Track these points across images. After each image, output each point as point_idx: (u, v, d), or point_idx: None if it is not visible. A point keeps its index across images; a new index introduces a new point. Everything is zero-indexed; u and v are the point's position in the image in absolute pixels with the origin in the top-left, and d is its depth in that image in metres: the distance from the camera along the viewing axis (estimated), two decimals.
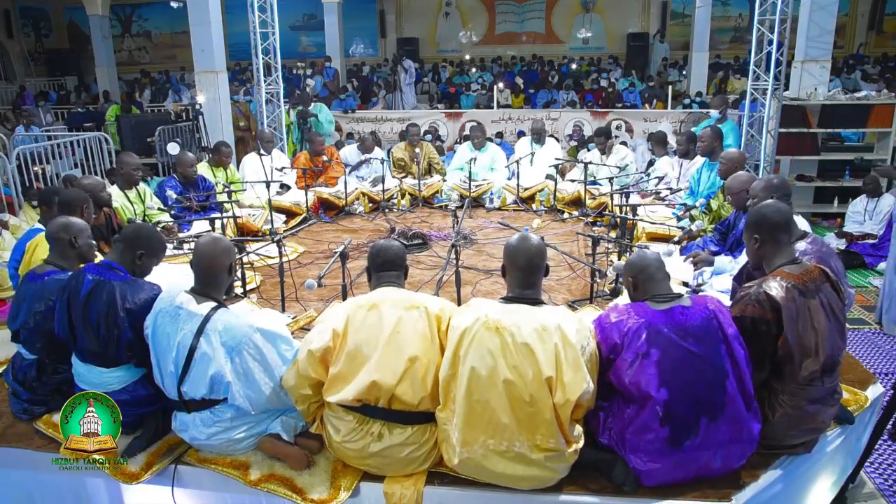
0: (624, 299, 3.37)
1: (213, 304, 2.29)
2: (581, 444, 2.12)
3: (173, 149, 7.05)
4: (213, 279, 2.34)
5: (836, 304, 2.32)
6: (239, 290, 3.74)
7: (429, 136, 10.16)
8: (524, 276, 2.24)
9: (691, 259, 3.76)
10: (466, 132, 9.57)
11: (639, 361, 2.08)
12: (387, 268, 2.41)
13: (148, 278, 2.59)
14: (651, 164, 6.55)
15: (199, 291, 2.32)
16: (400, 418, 2.16)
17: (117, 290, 2.39)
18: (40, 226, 3.51)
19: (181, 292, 2.32)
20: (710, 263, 3.62)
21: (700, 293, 3.22)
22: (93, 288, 2.39)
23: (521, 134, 10.39)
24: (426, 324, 2.19)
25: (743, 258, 3.36)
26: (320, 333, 2.23)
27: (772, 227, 2.38)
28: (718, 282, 3.38)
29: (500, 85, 13.48)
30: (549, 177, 6.00)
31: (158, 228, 4.29)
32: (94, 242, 2.83)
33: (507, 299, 2.24)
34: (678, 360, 2.07)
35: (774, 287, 2.23)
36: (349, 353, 2.17)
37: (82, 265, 2.66)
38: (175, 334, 2.22)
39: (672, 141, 6.98)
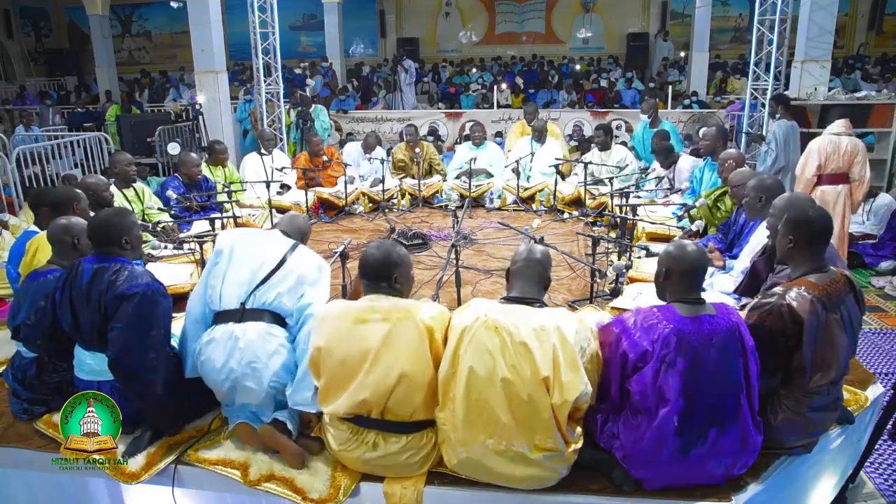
0: (624, 300, 3.38)
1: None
2: (580, 444, 2.12)
3: (174, 149, 7.06)
4: (299, 238, 2.72)
5: (856, 317, 2.27)
6: None
7: (430, 137, 10.15)
8: (525, 280, 2.26)
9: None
10: (467, 132, 9.57)
11: (664, 370, 2.03)
12: (372, 278, 2.28)
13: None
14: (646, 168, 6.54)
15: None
16: (394, 428, 2.16)
17: (117, 274, 2.38)
18: (35, 228, 3.49)
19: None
20: (723, 268, 3.57)
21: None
22: (94, 274, 2.39)
23: None
24: (416, 335, 2.13)
25: (740, 264, 3.36)
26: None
27: (813, 234, 2.28)
28: (719, 282, 3.37)
29: (503, 85, 13.48)
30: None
31: (158, 229, 4.33)
32: None
33: (507, 299, 2.24)
34: (699, 371, 2.03)
35: (799, 299, 2.15)
36: (334, 369, 2.15)
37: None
38: (265, 247, 2.54)
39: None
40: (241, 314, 2.38)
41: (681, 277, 2.18)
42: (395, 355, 2.10)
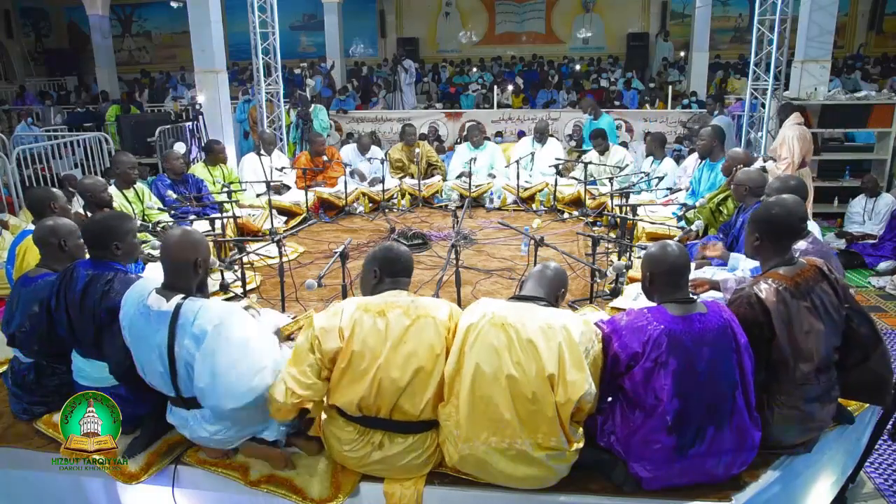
0: (624, 300, 3.38)
1: (181, 296, 2.18)
2: (582, 443, 2.12)
3: (180, 148, 7.09)
4: (179, 274, 2.22)
5: (832, 303, 2.29)
6: (239, 290, 3.74)
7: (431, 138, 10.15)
8: (535, 282, 2.33)
9: (701, 255, 3.67)
10: (466, 132, 9.57)
11: (656, 370, 2.05)
12: (402, 275, 2.36)
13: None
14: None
15: (168, 286, 2.22)
16: (401, 428, 2.16)
17: (110, 284, 2.37)
18: (31, 227, 3.49)
19: (151, 291, 2.21)
20: (724, 262, 3.54)
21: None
22: (88, 282, 2.37)
23: (521, 134, 10.38)
24: (435, 333, 2.15)
25: (750, 263, 3.34)
26: (329, 321, 2.16)
27: (777, 231, 2.34)
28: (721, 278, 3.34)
29: (510, 87, 13.50)
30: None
31: (158, 229, 4.33)
32: (82, 242, 2.71)
33: (515, 298, 2.28)
34: (693, 370, 2.04)
35: (764, 289, 2.22)
36: (350, 361, 2.13)
37: None
38: (152, 336, 2.16)
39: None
40: (184, 402, 2.23)
41: (664, 279, 2.21)
42: (414, 349, 2.12)
